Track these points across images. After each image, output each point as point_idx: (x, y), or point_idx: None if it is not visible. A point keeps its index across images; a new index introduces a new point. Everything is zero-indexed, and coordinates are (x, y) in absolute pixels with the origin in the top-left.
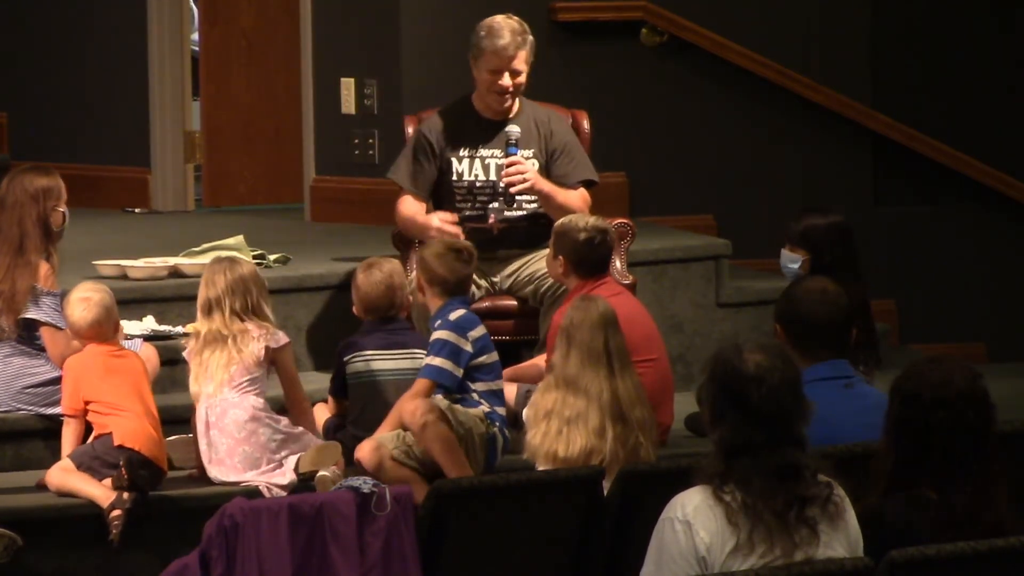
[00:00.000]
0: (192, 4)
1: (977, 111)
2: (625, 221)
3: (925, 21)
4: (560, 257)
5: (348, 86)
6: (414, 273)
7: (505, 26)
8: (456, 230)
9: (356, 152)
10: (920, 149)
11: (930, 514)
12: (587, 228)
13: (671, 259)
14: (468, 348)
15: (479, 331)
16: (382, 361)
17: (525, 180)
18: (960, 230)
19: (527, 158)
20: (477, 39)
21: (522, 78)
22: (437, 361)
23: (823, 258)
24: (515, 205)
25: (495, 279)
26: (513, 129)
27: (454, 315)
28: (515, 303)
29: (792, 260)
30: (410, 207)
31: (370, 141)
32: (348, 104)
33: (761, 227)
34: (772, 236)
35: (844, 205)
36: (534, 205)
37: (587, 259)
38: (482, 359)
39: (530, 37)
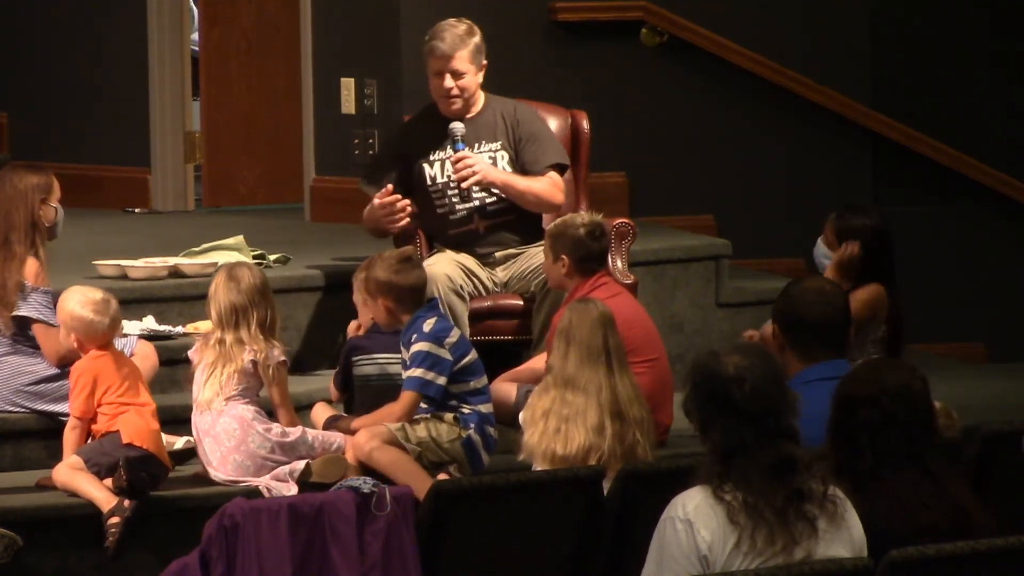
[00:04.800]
0: (192, 4)
1: (977, 111)
2: (625, 221)
3: (925, 21)
4: (563, 257)
5: (348, 86)
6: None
7: (447, 28)
8: (391, 198)
9: (356, 152)
10: (920, 149)
11: (881, 506)
12: (585, 223)
13: (671, 259)
14: (448, 356)
15: (454, 336)
16: (390, 366)
17: (475, 173)
18: (960, 230)
19: (494, 150)
20: (424, 43)
21: (466, 80)
22: (419, 372)
23: (864, 261)
24: (472, 199)
25: (495, 277)
26: (456, 126)
27: (427, 325)
28: (519, 302)
29: (827, 255)
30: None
31: (370, 141)
32: (348, 104)
33: (761, 227)
34: (772, 236)
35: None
36: (495, 198)
37: (590, 254)
38: (463, 363)
39: (474, 39)
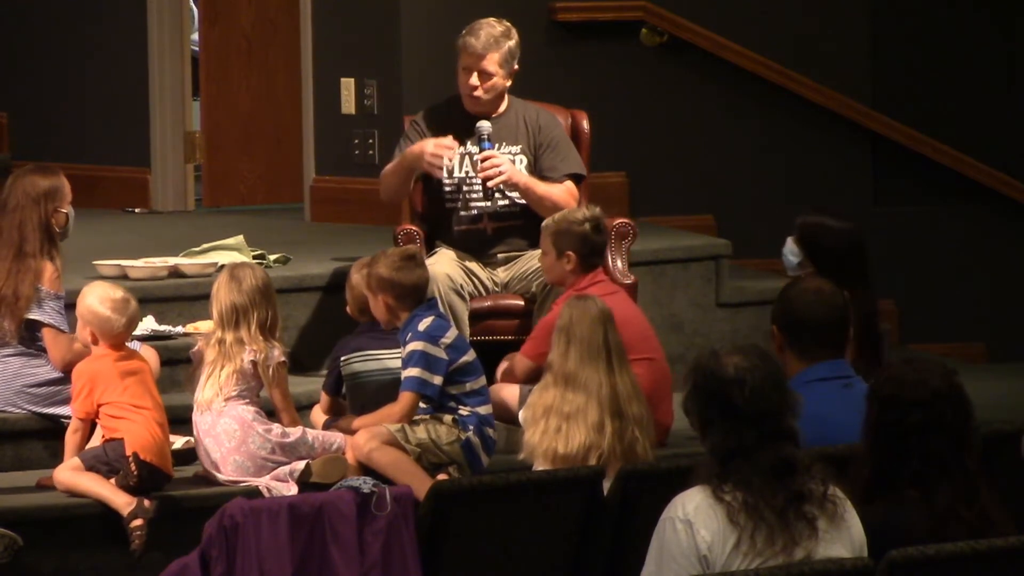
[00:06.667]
0: (192, 4)
1: (977, 111)
2: (625, 221)
3: (925, 21)
4: (568, 254)
5: (348, 86)
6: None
7: (484, 26)
8: (451, 144)
9: (356, 152)
10: (920, 149)
11: (914, 516)
12: (586, 218)
13: (671, 259)
14: (443, 355)
15: (450, 336)
16: (388, 361)
17: (501, 173)
18: (960, 230)
19: (514, 154)
20: (459, 36)
21: (494, 81)
22: (416, 372)
23: (828, 263)
24: (493, 198)
25: (496, 277)
26: (484, 124)
27: (423, 325)
28: (519, 302)
29: (795, 253)
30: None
31: (370, 141)
32: (348, 104)
33: (761, 227)
34: (772, 236)
35: (844, 205)
36: (516, 194)
37: (595, 248)
38: (461, 362)
39: (510, 43)
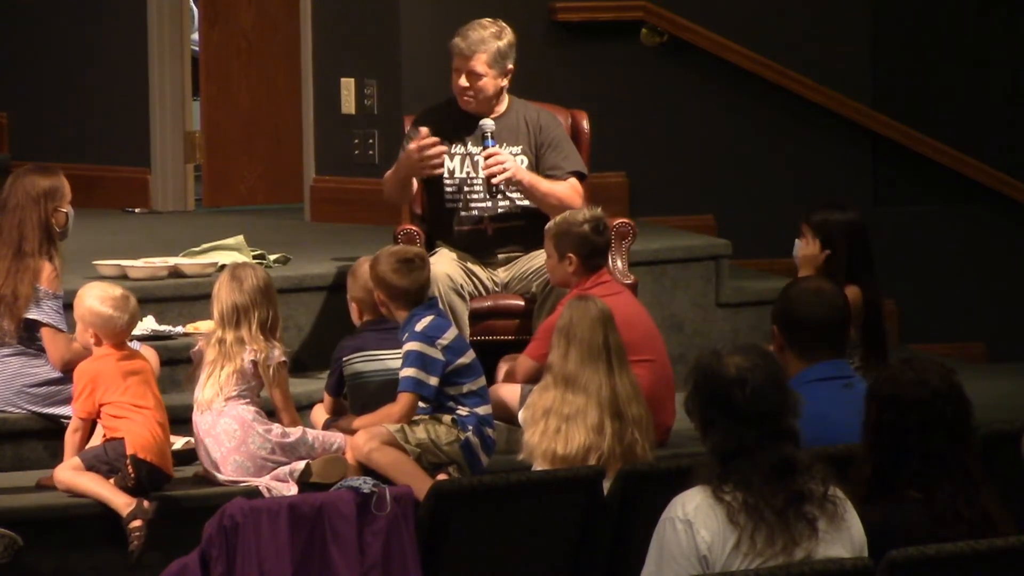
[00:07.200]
0: (192, 4)
1: (977, 111)
2: (625, 221)
3: (925, 21)
4: (569, 256)
5: (348, 86)
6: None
7: (475, 27)
8: (433, 140)
9: (356, 152)
10: (920, 149)
11: (914, 516)
12: (587, 219)
13: (671, 259)
14: (439, 356)
15: (449, 335)
16: (390, 361)
17: (505, 170)
18: (960, 230)
19: (515, 154)
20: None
21: (483, 82)
22: (413, 372)
23: (838, 254)
24: (498, 196)
25: (496, 278)
26: (487, 123)
27: (420, 325)
28: (519, 302)
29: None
30: None
31: (370, 141)
32: (348, 104)
33: (761, 227)
34: (772, 236)
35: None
36: (517, 195)
37: (596, 249)
38: (458, 363)
39: (499, 43)
